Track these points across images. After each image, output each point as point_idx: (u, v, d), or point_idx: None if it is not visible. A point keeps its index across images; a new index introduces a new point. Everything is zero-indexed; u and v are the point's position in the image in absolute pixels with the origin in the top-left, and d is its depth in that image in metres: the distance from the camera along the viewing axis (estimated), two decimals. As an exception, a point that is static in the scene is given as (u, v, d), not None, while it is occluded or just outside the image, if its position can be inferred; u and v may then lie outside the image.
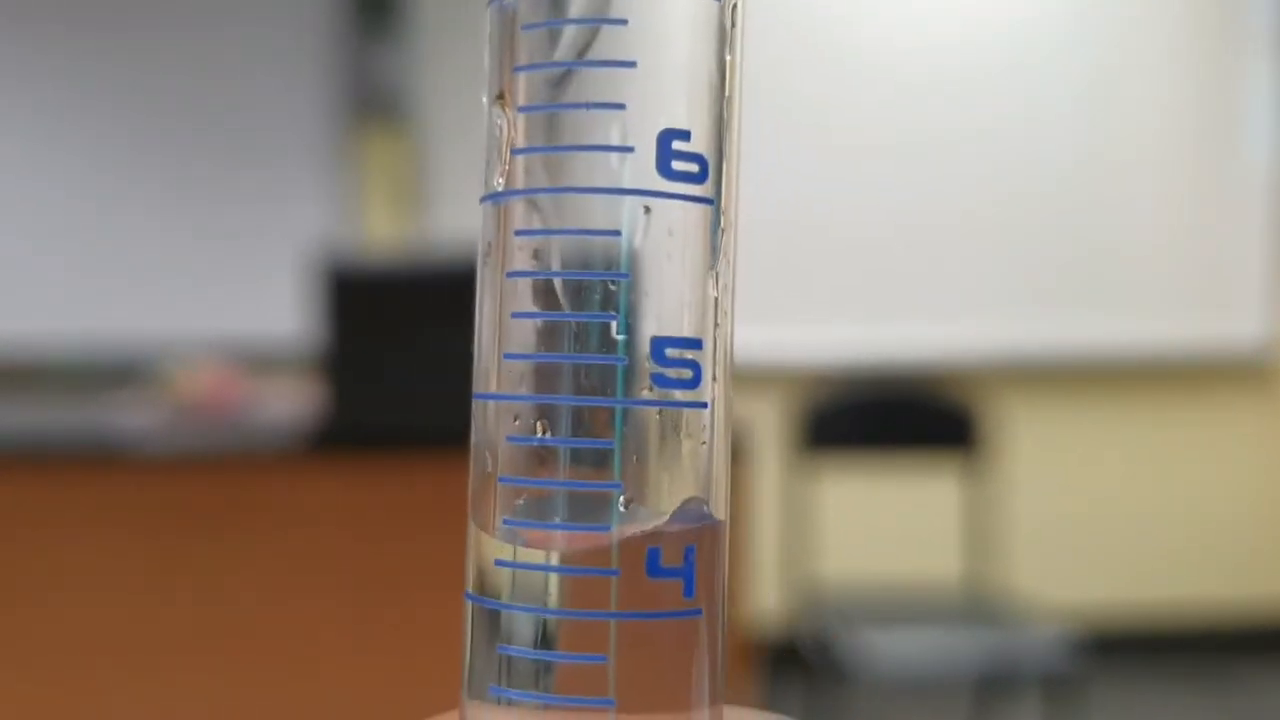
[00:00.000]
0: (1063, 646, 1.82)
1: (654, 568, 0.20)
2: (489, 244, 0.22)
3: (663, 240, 0.20)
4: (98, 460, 1.43)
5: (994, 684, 2.29)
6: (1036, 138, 3.16)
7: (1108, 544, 3.24)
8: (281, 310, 3.05)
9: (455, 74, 3.09)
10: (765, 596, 2.67)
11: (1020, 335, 3.15)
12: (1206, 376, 3.23)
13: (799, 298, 3.12)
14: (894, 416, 2.28)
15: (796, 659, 2.32)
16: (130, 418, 1.64)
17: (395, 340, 1.40)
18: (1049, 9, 3.15)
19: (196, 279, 3.09)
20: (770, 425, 2.79)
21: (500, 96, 0.21)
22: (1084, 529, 3.23)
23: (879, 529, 3.15)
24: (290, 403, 1.81)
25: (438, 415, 1.42)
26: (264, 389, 2.00)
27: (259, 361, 2.92)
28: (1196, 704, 2.84)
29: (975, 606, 2.11)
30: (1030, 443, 3.18)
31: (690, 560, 0.20)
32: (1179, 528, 3.25)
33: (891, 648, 1.83)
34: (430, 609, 1.43)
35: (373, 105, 3.13)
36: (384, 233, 3.16)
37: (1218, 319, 3.19)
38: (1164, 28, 3.17)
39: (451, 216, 3.10)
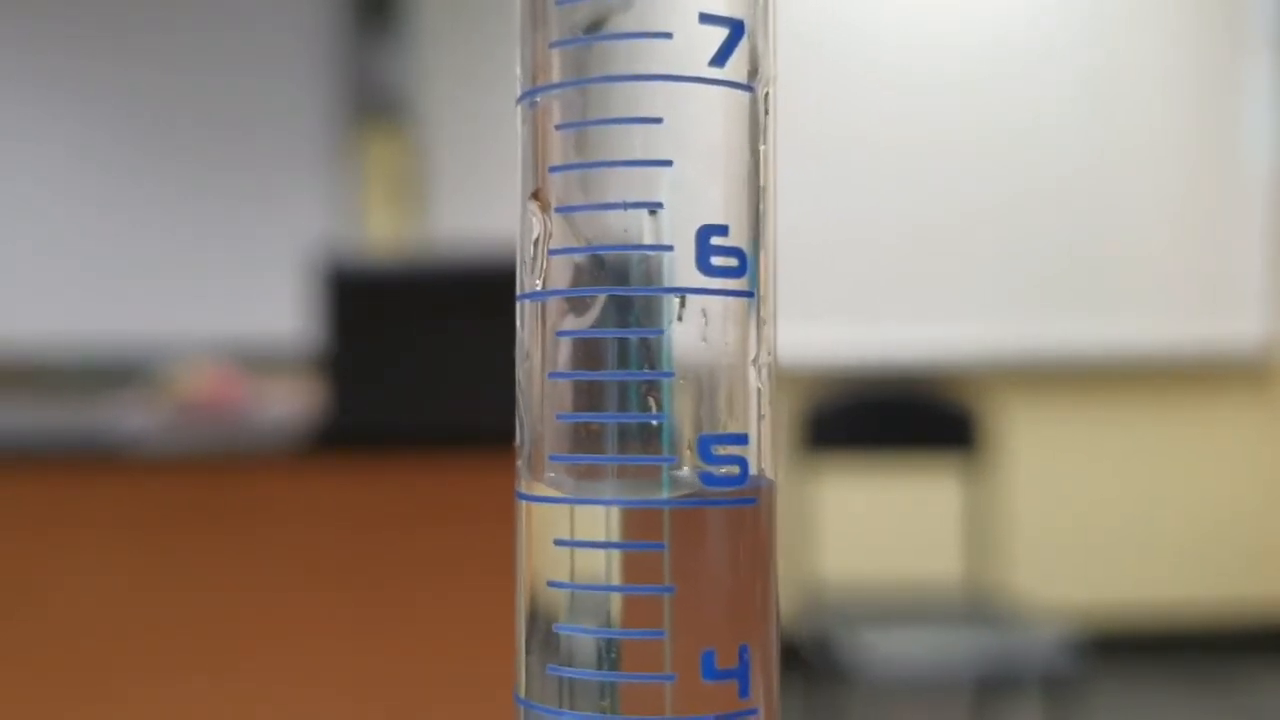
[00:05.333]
0: (1063, 646, 1.82)
1: (709, 670, 0.20)
2: (527, 343, 0.22)
3: (705, 336, 0.21)
4: (98, 460, 1.43)
5: (994, 684, 2.29)
6: (1036, 139, 3.16)
7: (1108, 544, 3.24)
8: (281, 310, 3.05)
9: (455, 74, 3.09)
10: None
11: (1020, 336, 3.15)
12: (1206, 377, 3.23)
13: (799, 298, 3.12)
14: (894, 417, 2.28)
15: (796, 659, 2.31)
16: (130, 418, 1.64)
17: (395, 340, 1.40)
18: (1048, 10, 3.15)
19: (197, 279, 3.09)
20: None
21: (535, 195, 0.21)
22: (1084, 529, 3.23)
23: (879, 529, 3.15)
24: (290, 403, 1.81)
25: (438, 415, 1.42)
26: (264, 389, 2.00)
27: (259, 361, 2.92)
28: (1196, 704, 2.84)
29: (975, 607, 2.11)
30: (1030, 443, 3.18)
31: (745, 660, 0.21)
32: (1179, 528, 3.25)
33: (891, 648, 1.83)
34: (431, 609, 1.43)
35: (373, 105, 3.13)
36: (384, 233, 3.16)
37: (1218, 319, 3.19)
38: (1164, 28, 3.17)
39: (451, 216, 3.10)
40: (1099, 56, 3.16)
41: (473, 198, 3.09)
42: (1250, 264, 3.19)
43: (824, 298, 3.14)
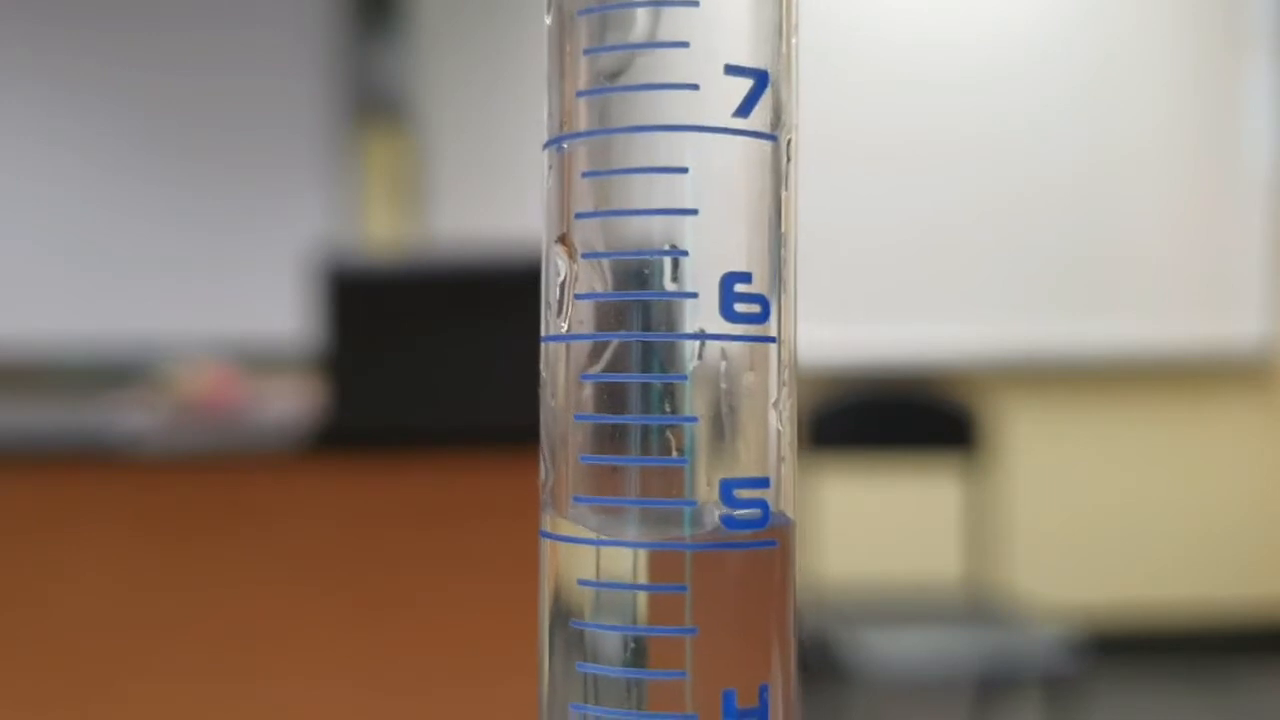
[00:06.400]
0: (1063, 647, 1.82)
1: (730, 710, 0.21)
2: (551, 384, 0.22)
3: (727, 380, 0.21)
4: (98, 460, 1.43)
5: (994, 684, 2.29)
6: (1036, 139, 3.16)
7: (1108, 544, 3.24)
8: (281, 310, 3.05)
9: (455, 74, 3.09)
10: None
11: (1021, 336, 3.15)
12: (1206, 376, 3.23)
13: (799, 299, 3.11)
14: (894, 416, 2.28)
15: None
16: (130, 418, 1.64)
17: (395, 340, 1.40)
18: (1049, 10, 3.15)
19: (197, 279, 3.09)
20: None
21: (561, 239, 0.22)
22: (1084, 529, 3.23)
23: (879, 529, 3.15)
24: (290, 403, 1.81)
25: (438, 415, 1.42)
26: (264, 389, 2.00)
27: (259, 361, 2.92)
28: (1196, 704, 2.84)
29: (975, 606, 2.11)
30: (1030, 443, 3.19)
31: (765, 699, 0.21)
32: (1179, 528, 3.25)
33: (891, 648, 1.83)
34: (431, 608, 1.43)
35: (373, 105, 3.13)
36: (384, 233, 3.16)
37: (1218, 319, 3.19)
38: (1164, 28, 3.17)
39: (451, 216, 3.10)
40: (1099, 57, 3.16)
41: (473, 198, 3.09)
42: (1250, 264, 3.19)
43: (824, 298, 3.14)
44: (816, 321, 3.12)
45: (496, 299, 1.39)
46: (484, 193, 3.09)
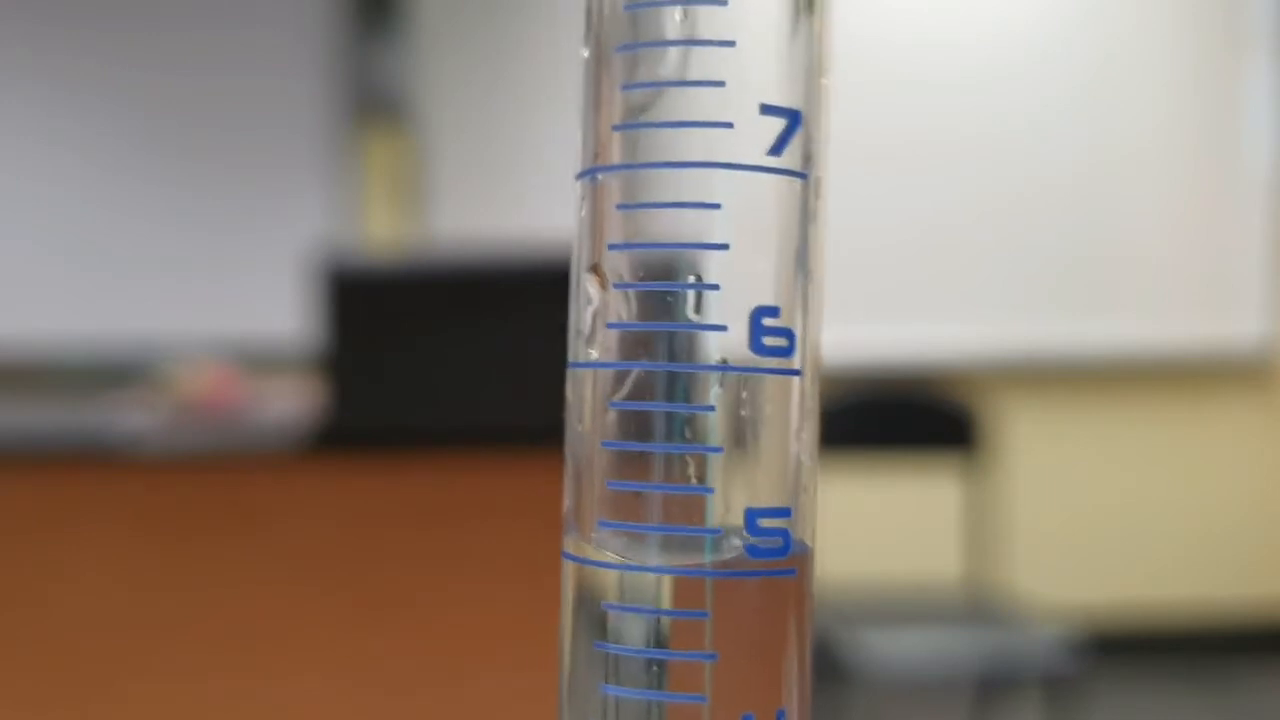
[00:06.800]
0: (1063, 647, 1.82)
1: None
2: (579, 410, 0.22)
3: (753, 413, 0.21)
4: (98, 460, 1.43)
5: (994, 684, 2.29)
6: (1036, 139, 3.16)
7: (1108, 544, 3.24)
8: (281, 310, 3.05)
9: (455, 74, 3.09)
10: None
11: (1021, 336, 3.15)
12: (1207, 376, 3.23)
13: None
14: (894, 416, 2.28)
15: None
16: (130, 418, 1.64)
17: (395, 340, 1.40)
18: (1049, 10, 3.15)
19: (197, 279, 3.09)
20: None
21: (594, 269, 0.22)
22: (1084, 529, 3.23)
23: (879, 529, 3.15)
24: (290, 403, 1.81)
25: (438, 415, 1.42)
26: (264, 389, 2.00)
27: (259, 361, 2.92)
28: (1196, 704, 2.84)
29: (975, 606, 2.11)
30: (1030, 443, 3.19)
31: None
32: (1179, 528, 3.25)
33: (891, 648, 1.83)
34: (431, 608, 1.43)
35: (373, 105, 3.13)
36: (384, 233, 3.16)
37: (1218, 319, 3.19)
38: (1164, 28, 3.17)
39: (451, 216, 3.10)
40: (1099, 57, 3.16)
41: (473, 198, 3.09)
42: (1250, 264, 3.19)
43: (824, 298, 3.13)
44: (816, 321, 3.12)
45: (497, 299, 1.39)
46: (484, 193, 3.09)
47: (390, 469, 1.43)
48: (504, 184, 3.09)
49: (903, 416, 2.27)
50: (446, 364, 1.40)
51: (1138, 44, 3.17)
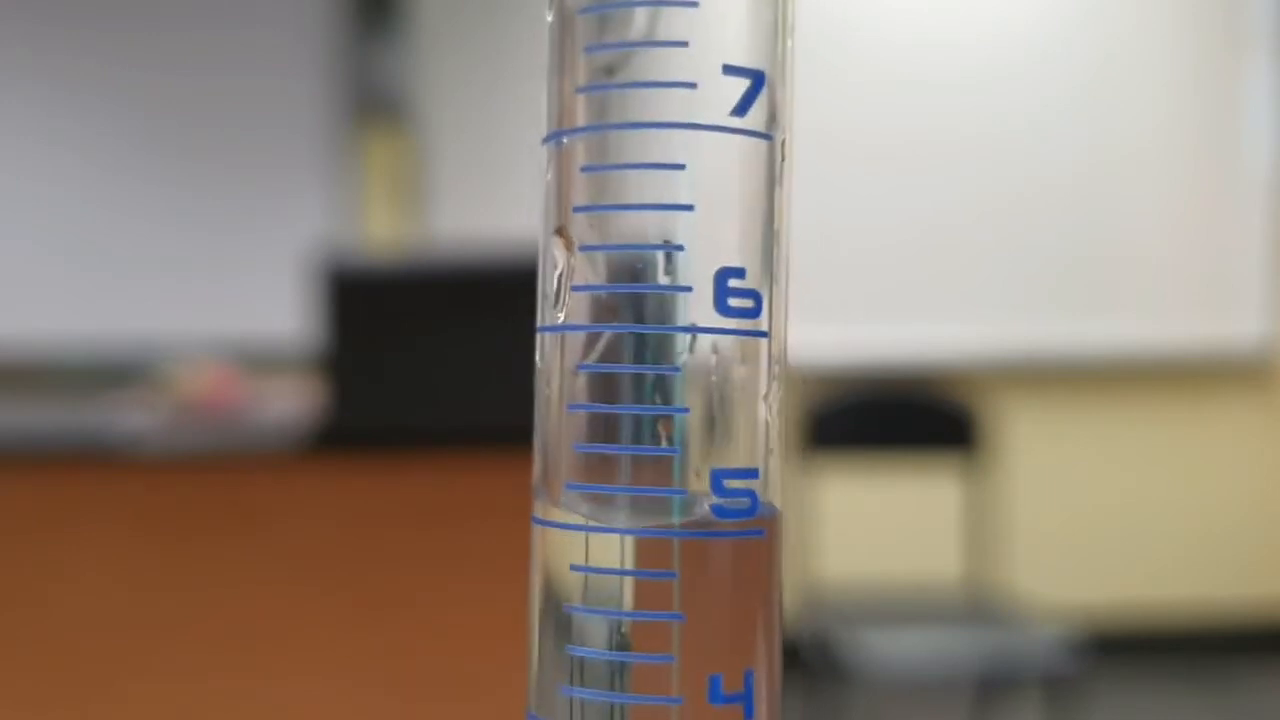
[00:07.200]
0: (1063, 646, 1.82)
1: (716, 694, 0.21)
2: (546, 374, 0.23)
3: (719, 373, 0.21)
4: (98, 460, 1.43)
5: (994, 684, 2.29)
6: (1036, 139, 3.16)
7: (1108, 544, 3.24)
8: (281, 310, 3.05)
9: (455, 74, 3.09)
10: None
11: (1021, 336, 3.15)
12: (1206, 376, 3.23)
13: (799, 299, 3.12)
14: (894, 416, 2.28)
15: (796, 659, 2.32)
16: (130, 418, 1.64)
17: (395, 340, 1.40)
18: (1049, 10, 3.15)
19: (197, 279, 3.09)
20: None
21: (559, 232, 0.22)
22: (1084, 529, 3.23)
23: (879, 529, 3.15)
24: (290, 403, 1.81)
25: (438, 415, 1.42)
26: (264, 389, 2.00)
27: (259, 361, 2.92)
28: (1196, 704, 2.84)
29: (975, 606, 2.11)
30: (1030, 443, 3.19)
31: (750, 684, 0.22)
32: (1179, 528, 3.25)
33: (891, 648, 1.83)
34: (431, 607, 1.43)
35: (373, 105, 3.13)
36: (384, 233, 3.16)
37: (1218, 319, 3.19)
38: (1164, 28, 3.17)
39: (451, 216, 3.10)
40: (1099, 57, 3.16)
41: (473, 198, 3.09)
42: (1250, 264, 3.19)
43: (824, 298, 3.14)
44: (817, 321, 3.12)
45: (496, 299, 1.39)
46: (484, 193, 3.09)
47: (390, 469, 1.43)
48: (504, 184, 3.09)
49: (903, 416, 2.27)
50: (446, 364, 1.40)
51: (1138, 44, 3.17)
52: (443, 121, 3.09)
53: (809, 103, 3.12)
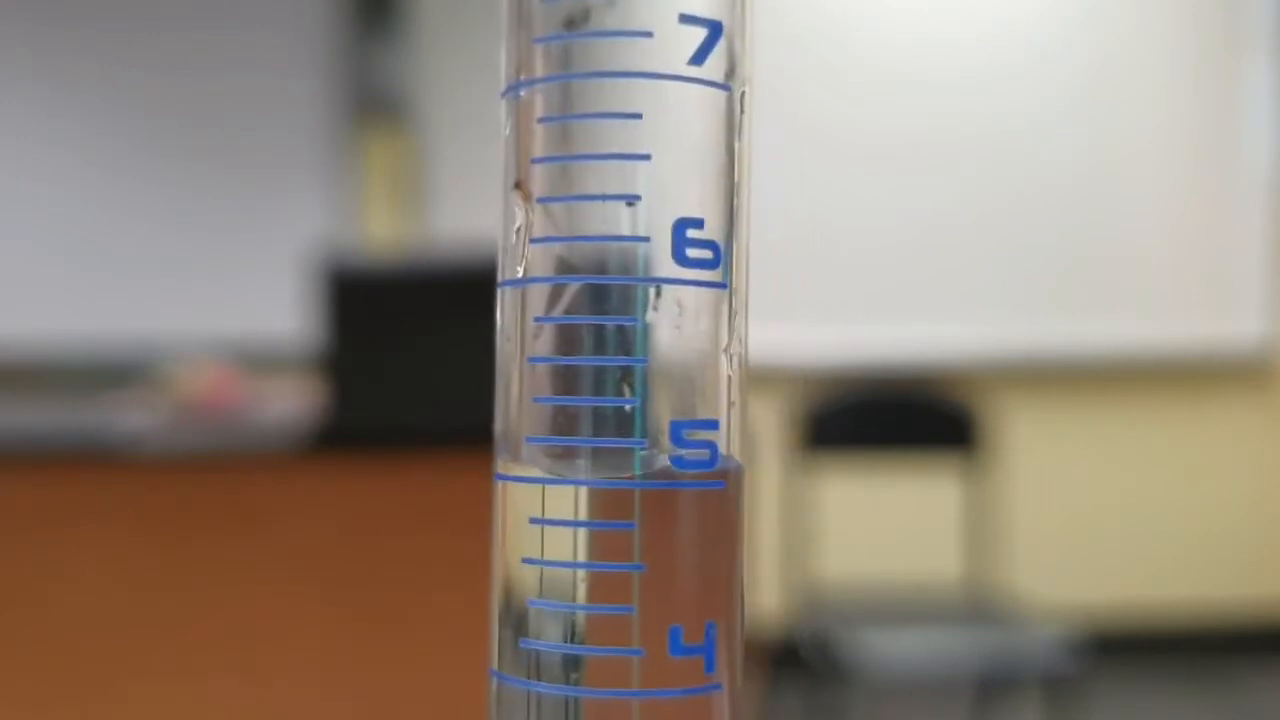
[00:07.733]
0: (1063, 646, 1.82)
1: (676, 646, 0.21)
2: (507, 329, 0.22)
3: (679, 325, 0.21)
4: (98, 460, 1.43)
5: (994, 684, 2.29)
6: (1036, 139, 3.16)
7: (1108, 544, 3.24)
8: (281, 310, 3.05)
9: (455, 74, 3.09)
10: (765, 596, 2.67)
11: (1020, 336, 3.15)
12: (1207, 376, 3.23)
13: (799, 298, 3.12)
14: (894, 416, 2.28)
15: (796, 659, 2.31)
16: (130, 418, 1.64)
17: (395, 340, 1.40)
18: (1049, 10, 3.15)
19: (197, 279, 3.09)
20: (770, 425, 2.79)
21: (517, 185, 0.22)
22: (1084, 529, 3.23)
23: (879, 529, 3.15)
24: (290, 403, 1.81)
25: (438, 415, 1.42)
26: (264, 389, 2.00)
27: (259, 361, 2.92)
28: (1196, 704, 2.84)
29: (975, 606, 2.11)
30: (1030, 443, 3.19)
31: (711, 636, 0.21)
32: (1179, 528, 3.25)
33: (891, 648, 1.83)
34: (430, 608, 1.43)
35: (373, 105, 3.13)
36: (384, 233, 3.16)
37: (1218, 319, 3.19)
38: (1164, 28, 3.17)
39: (451, 216, 3.10)
40: (1099, 57, 3.16)
41: (473, 198, 3.09)
42: (1250, 264, 3.19)
43: (824, 298, 3.14)
44: (817, 321, 3.12)
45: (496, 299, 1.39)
46: (484, 193, 3.09)
47: (390, 469, 1.43)
48: (503, 184, 3.08)
49: (903, 416, 2.27)
50: (446, 364, 1.40)
51: (1138, 44, 3.16)
52: (443, 121, 3.09)
53: (809, 103, 3.12)
